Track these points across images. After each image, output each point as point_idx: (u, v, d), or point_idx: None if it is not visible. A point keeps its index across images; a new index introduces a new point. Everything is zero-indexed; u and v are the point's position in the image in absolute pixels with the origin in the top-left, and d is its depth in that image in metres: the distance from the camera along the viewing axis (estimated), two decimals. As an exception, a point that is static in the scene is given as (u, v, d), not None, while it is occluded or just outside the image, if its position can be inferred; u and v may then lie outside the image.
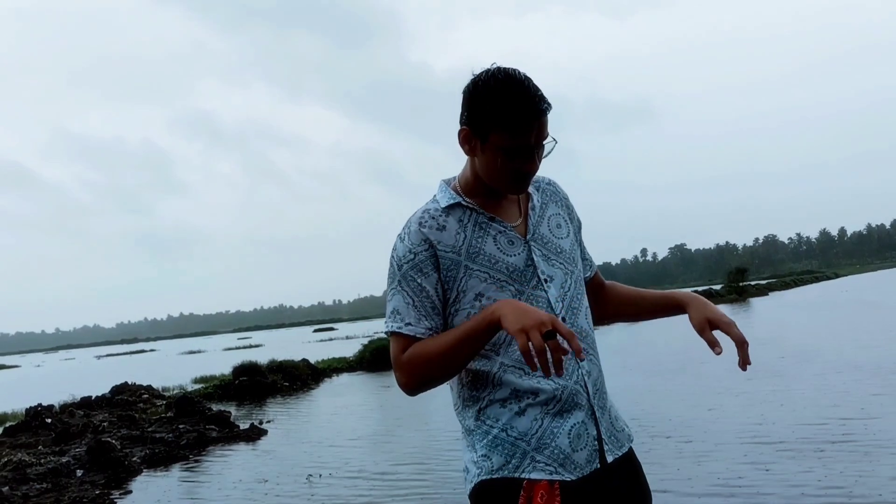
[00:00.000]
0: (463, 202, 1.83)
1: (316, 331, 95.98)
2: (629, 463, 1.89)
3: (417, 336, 1.78)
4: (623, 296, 2.13)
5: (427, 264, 1.78)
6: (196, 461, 10.17)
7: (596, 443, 1.79)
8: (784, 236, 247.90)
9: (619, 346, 20.12)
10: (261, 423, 12.77)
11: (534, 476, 1.72)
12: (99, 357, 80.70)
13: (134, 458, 10.26)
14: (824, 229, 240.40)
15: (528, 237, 1.84)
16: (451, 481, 7.23)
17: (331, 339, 56.90)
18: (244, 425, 12.52)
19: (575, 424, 1.77)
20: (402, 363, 1.80)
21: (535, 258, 1.83)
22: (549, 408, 1.76)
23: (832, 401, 9.22)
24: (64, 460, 9.99)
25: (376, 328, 76.81)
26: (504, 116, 1.70)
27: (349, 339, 50.49)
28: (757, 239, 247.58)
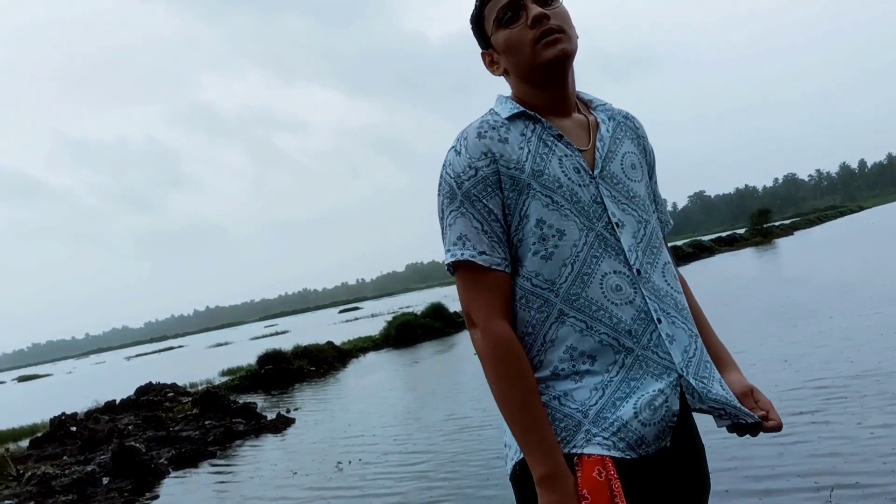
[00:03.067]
0: (528, 112, 1.56)
1: (341, 311, 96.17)
2: (693, 443, 1.58)
3: (493, 267, 1.51)
4: (691, 302, 1.77)
5: (491, 181, 1.51)
6: (223, 458, 9.87)
7: (675, 419, 1.49)
8: (804, 174, 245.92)
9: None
10: (288, 411, 12.48)
11: (587, 451, 1.44)
12: (129, 358, 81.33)
13: (161, 460, 9.99)
14: (844, 163, 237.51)
15: (595, 172, 1.55)
16: (486, 461, 6.85)
17: (356, 319, 56.84)
18: (271, 415, 12.24)
19: (645, 395, 1.47)
20: (492, 339, 1.49)
21: (605, 197, 1.54)
22: (613, 375, 1.48)
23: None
24: (89, 469, 9.72)
25: (401, 304, 76.85)
26: None
27: (374, 317, 50.29)
28: (776, 179, 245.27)
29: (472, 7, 1.60)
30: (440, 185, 1.56)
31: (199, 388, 19.36)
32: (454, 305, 27.69)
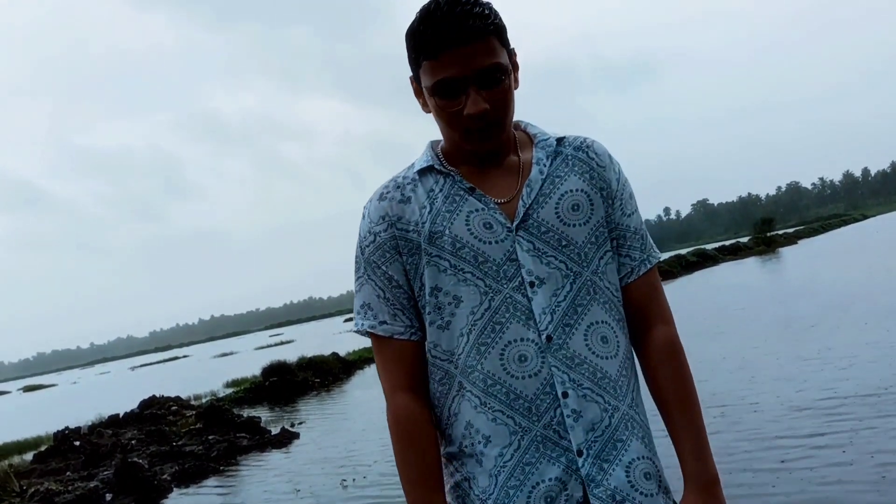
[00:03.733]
0: (436, 166, 1.44)
1: (347, 320, 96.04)
2: None
3: (395, 336, 1.44)
4: (669, 382, 1.46)
5: (389, 246, 1.43)
6: (227, 474, 9.82)
7: None
8: (807, 182, 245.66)
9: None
10: (293, 425, 12.43)
11: None
12: (133, 368, 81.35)
13: (164, 476, 9.94)
14: (847, 171, 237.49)
15: (515, 222, 1.39)
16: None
17: (361, 329, 56.57)
18: (275, 429, 12.18)
19: (541, 485, 1.33)
20: (392, 412, 1.43)
21: (520, 252, 1.38)
22: (507, 458, 1.36)
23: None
24: (92, 485, 9.67)
25: (405, 313, 76.78)
26: (419, 42, 1.34)
27: (379, 328, 50.13)
28: (780, 187, 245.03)
29: (413, 21, 1.36)
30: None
31: (204, 400, 19.33)
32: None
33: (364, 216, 1.46)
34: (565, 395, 1.35)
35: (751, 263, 38.08)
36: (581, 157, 1.47)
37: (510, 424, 1.35)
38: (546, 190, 1.42)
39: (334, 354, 20.73)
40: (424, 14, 1.33)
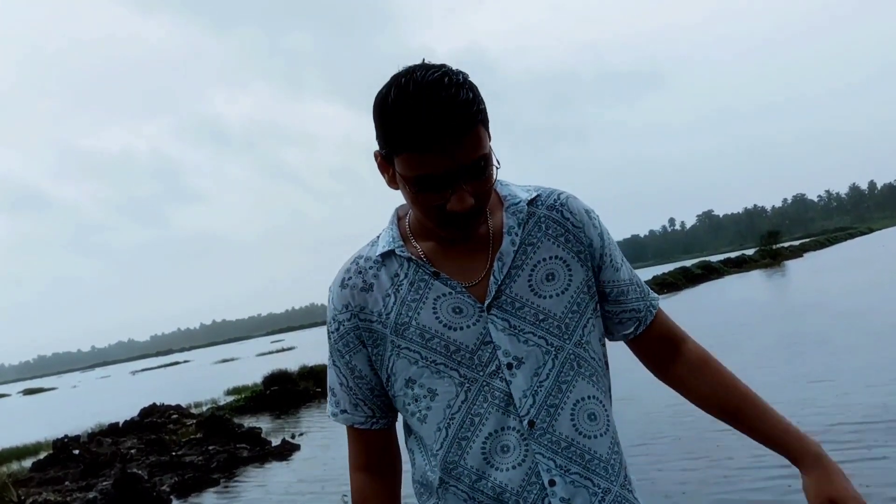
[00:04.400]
0: (397, 251, 1.33)
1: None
2: None
3: (356, 426, 1.40)
4: (715, 388, 1.44)
5: (352, 337, 1.34)
6: (227, 487, 9.69)
7: None
8: (813, 194, 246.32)
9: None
10: (293, 436, 12.31)
11: None
12: (134, 372, 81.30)
13: (163, 487, 9.81)
14: (854, 184, 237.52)
15: (486, 302, 1.28)
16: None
17: (363, 337, 56.58)
18: (276, 440, 12.06)
19: None
20: (352, 491, 1.45)
21: (494, 332, 1.28)
22: None
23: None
24: (91, 496, 9.55)
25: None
26: (402, 132, 1.17)
27: (381, 335, 50.10)
28: (786, 199, 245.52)
29: (385, 98, 1.19)
30: None
31: (204, 408, 19.26)
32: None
33: (329, 300, 1.38)
34: (552, 483, 1.26)
35: (756, 276, 37.93)
36: (555, 217, 1.36)
37: None
38: (518, 261, 1.31)
39: (336, 364, 20.64)
40: (401, 97, 1.16)
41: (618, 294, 1.40)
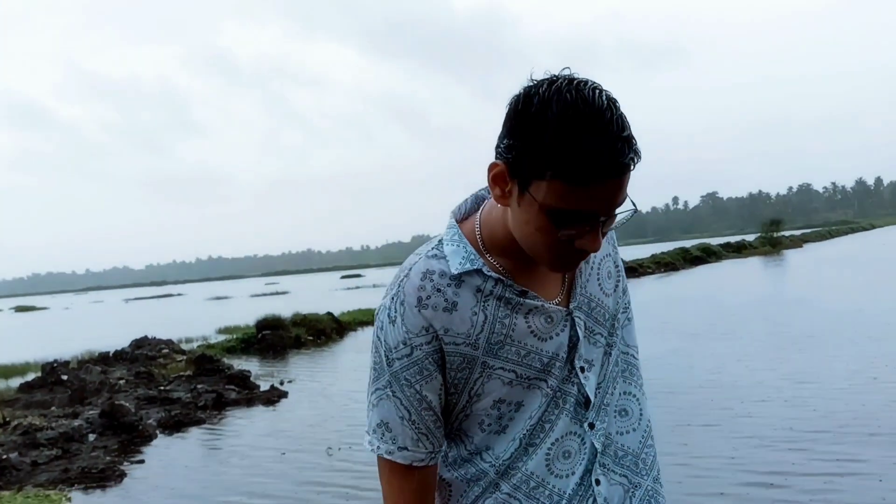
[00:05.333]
0: (485, 271, 1.21)
1: (343, 277, 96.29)
2: None
3: (415, 464, 1.26)
4: None
5: (428, 363, 1.22)
6: (213, 426, 9.76)
7: None
8: (819, 185, 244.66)
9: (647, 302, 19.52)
10: (282, 383, 12.38)
11: None
12: (127, 300, 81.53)
13: (149, 421, 9.89)
14: (860, 178, 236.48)
15: (571, 304, 1.26)
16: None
17: (358, 288, 56.79)
18: (265, 385, 12.14)
19: None
20: None
21: (580, 337, 1.26)
22: None
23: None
24: (76, 423, 9.61)
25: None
26: (566, 159, 1.03)
27: (376, 288, 50.22)
28: (791, 188, 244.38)
29: (562, 122, 1.04)
30: (373, 342, 1.28)
31: (195, 344, 19.34)
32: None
33: (393, 320, 1.22)
34: (597, 482, 1.27)
35: (754, 263, 37.98)
36: None
37: None
38: (589, 260, 1.29)
39: (329, 314, 20.66)
40: (570, 116, 1.03)
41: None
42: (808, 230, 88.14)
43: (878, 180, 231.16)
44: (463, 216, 1.30)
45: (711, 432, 6.90)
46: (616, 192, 1.07)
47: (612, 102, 1.05)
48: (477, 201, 1.31)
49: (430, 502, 1.30)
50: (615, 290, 1.33)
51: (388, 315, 1.23)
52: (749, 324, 14.21)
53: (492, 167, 1.13)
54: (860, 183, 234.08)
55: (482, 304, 1.21)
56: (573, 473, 1.26)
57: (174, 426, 9.81)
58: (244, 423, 9.81)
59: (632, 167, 1.06)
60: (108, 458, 8.43)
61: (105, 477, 7.59)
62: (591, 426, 1.27)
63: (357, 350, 16.78)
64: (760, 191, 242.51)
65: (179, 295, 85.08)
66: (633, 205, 1.12)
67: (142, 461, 8.26)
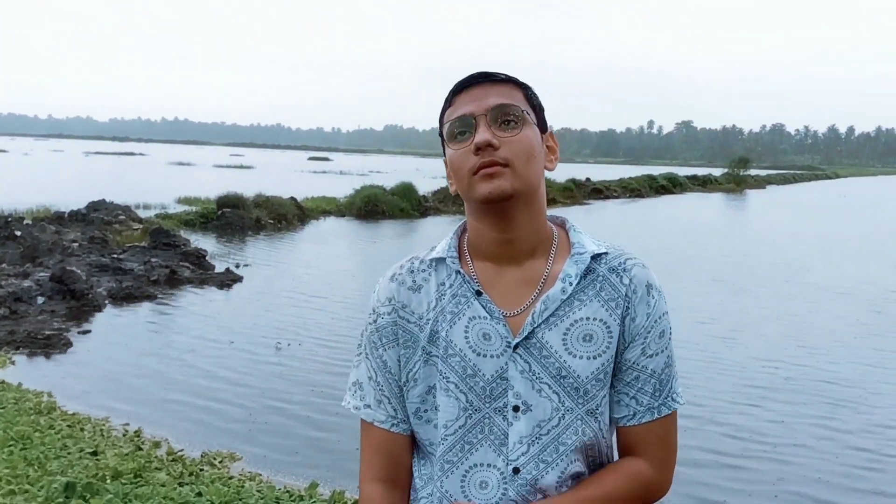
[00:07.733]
0: (448, 260, 1.33)
1: (311, 159, 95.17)
2: None
3: (376, 424, 1.35)
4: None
5: (388, 331, 1.34)
6: (163, 303, 9.78)
7: None
8: (791, 127, 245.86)
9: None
10: (238, 266, 12.40)
11: None
12: (87, 153, 79.89)
13: (100, 290, 9.88)
14: (833, 125, 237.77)
15: (517, 339, 1.25)
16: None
17: (325, 172, 56.29)
18: (220, 266, 12.14)
19: None
20: (364, 500, 1.36)
21: (512, 371, 1.25)
22: None
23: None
24: (26, 284, 9.57)
25: (371, 165, 76.31)
26: (445, 101, 1.33)
27: (343, 175, 49.88)
28: (764, 126, 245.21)
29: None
30: None
31: (153, 212, 19.12)
32: (424, 185, 27.47)
33: (374, 290, 1.39)
34: None
35: (716, 199, 38.59)
36: (613, 280, 1.29)
37: None
38: (562, 311, 1.26)
39: (292, 199, 20.53)
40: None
41: (633, 378, 1.30)
42: (774, 172, 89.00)
43: (850, 129, 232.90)
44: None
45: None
46: (482, 96, 1.26)
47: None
48: None
49: (389, 467, 1.35)
50: (594, 358, 1.26)
51: (375, 286, 1.39)
52: (681, 264, 14.49)
53: (444, 165, 1.35)
54: (832, 130, 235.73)
55: (440, 295, 1.31)
56: None
57: (124, 298, 9.83)
58: (194, 303, 9.84)
59: (496, 81, 1.28)
60: (55, 323, 8.46)
61: (51, 344, 7.62)
62: (516, 470, 1.25)
63: (317, 241, 16.79)
64: (734, 125, 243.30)
65: (142, 155, 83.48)
66: (523, 111, 1.27)
67: (88, 331, 8.30)
